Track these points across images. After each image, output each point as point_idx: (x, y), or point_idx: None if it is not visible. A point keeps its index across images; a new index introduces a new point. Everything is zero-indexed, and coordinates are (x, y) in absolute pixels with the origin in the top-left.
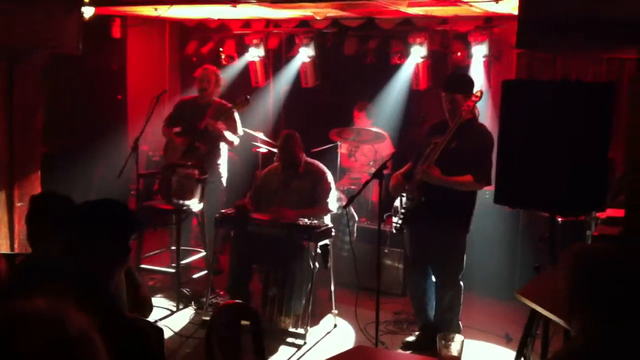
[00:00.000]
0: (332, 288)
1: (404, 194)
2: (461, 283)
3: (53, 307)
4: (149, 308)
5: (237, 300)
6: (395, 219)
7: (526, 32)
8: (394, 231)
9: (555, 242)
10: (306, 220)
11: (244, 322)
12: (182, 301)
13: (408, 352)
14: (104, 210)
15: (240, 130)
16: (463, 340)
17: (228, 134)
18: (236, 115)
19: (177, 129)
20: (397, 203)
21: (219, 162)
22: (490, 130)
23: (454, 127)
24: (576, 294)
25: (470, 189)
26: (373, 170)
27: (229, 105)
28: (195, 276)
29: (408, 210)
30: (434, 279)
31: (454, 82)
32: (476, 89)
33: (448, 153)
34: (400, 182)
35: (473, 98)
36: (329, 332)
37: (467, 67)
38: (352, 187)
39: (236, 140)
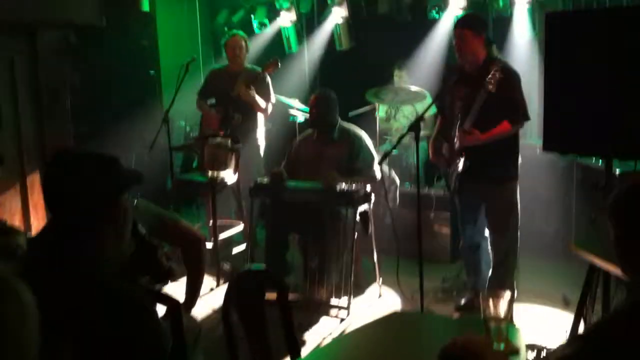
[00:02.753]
0: (375, 257)
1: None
2: (518, 234)
3: None
4: (165, 275)
5: (259, 267)
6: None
7: None
8: (448, 190)
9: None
10: (343, 185)
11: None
12: (221, 277)
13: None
14: (83, 163)
15: (273, 97)
16: (512, 297)
17: (260, 101)
18: (268, 80)
19: (210, 101)
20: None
21: (256, 132)
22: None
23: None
24: (632, 237)
25: (511, 134)
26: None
27: (259, 70)
28: (235, 251)
29: (457, 177)
30: (487, 233)
31: (463, 18)
32: (518, 38)
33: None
34: (440, 159)
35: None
36: (373, 303)
37: (510, 16)
38: (394, 153)
39: (269, 108)
